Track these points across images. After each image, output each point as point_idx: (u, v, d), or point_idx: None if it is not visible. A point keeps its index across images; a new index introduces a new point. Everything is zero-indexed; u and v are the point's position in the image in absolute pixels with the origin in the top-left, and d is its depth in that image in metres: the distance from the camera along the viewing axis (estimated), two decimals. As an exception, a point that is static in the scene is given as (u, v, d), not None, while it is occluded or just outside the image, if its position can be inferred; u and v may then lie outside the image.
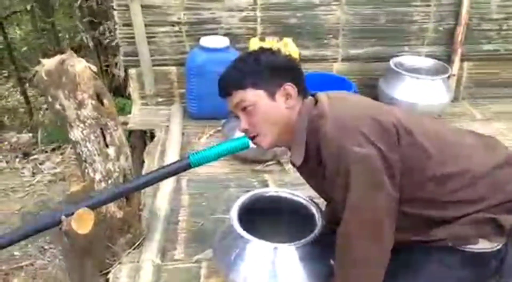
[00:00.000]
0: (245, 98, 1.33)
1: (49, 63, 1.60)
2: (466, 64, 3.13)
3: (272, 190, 1.76)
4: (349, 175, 1.19)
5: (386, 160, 1.19)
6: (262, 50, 1.42)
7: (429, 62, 2.98)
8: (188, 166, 1.39)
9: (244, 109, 1.34)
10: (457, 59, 3.03)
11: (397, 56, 2.97)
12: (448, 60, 3.04)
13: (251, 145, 1.45)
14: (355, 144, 1.18)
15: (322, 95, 1.35)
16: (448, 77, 2.90)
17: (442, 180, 1.27)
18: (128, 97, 3.26)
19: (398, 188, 1.23)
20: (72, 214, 1.26)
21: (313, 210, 1.58)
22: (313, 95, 1.39)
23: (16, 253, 2.94)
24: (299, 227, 1.57)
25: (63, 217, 1.26)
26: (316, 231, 1.48)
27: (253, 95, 1.32)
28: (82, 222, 1.25)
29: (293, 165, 1.43)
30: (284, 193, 1.68)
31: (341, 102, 1.33)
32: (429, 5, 2.95)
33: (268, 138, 1.36)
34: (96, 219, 1.28)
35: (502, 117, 3.02)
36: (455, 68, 3.05)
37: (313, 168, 1.35)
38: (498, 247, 1.27)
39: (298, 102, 1.36)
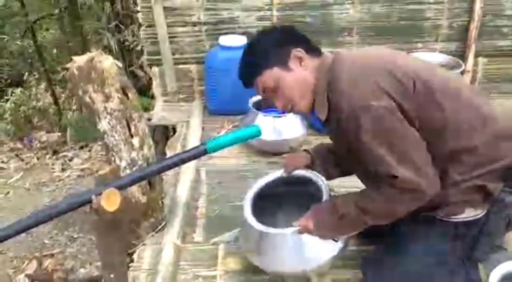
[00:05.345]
0: (266, 82, 1.41)
1: (79, 60, 1.76)
2: (480, 60, 3.15)
3: (277, 172, 1.73)
4: (361, 126, 1.24)
5: (403, 111, 1.25)
6: (255, 36, 1.51)
7: (443, 58, 2.98)
8: (205, 152, 1.51)
9: (271, 91, 1.42)
10: (471, 55, 3.05)
11: (411, 52, 3.02)
12: (462, 56, 3.06)
13: (263, 132, 1.56)
14: (372, 98, 1.23)
15: (341, 54, 1.40)
16: (462, 72, 2.93)
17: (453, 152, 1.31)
18: (152, 97, 3.39)
19: None
20: (101, 193, 1.39)
21: (320, 183, 1.57)
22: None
23: (47, 242, 3.14)
24: (309, 200, 1.58)
25: (93, 196, 1.40)
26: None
27: (271, 75, 1.40)
28: (110, 201, 1.39)
29: (320, 121, 1.45)
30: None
31: (359, 59, 1.37)
32: (442, 2, 2.98)
33: (302, 103, 1.42)
34: (122, 198, 1.41)
35: (517, 112, 3.04)
36: (469, 64, 3.07)
37: (334, 126, 1.38)
38: (480, 215, 1.34)
39: (312, 61, 1.41)
